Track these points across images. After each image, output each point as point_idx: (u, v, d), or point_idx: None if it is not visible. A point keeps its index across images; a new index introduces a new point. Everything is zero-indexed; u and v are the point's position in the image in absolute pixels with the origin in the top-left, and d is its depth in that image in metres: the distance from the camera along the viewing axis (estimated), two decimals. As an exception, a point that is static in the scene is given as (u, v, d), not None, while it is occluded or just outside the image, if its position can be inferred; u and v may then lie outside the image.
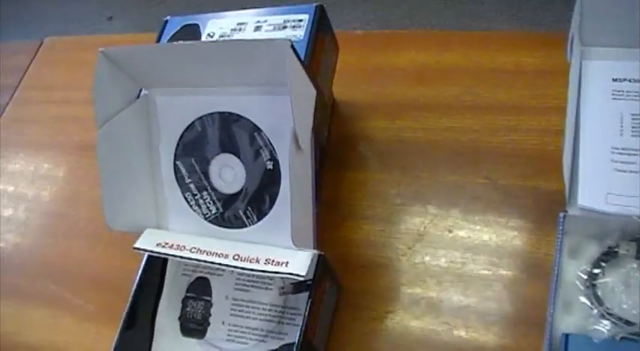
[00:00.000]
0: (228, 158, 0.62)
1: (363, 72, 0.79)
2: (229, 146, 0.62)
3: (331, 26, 0.69)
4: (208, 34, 0.70)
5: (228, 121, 0.61)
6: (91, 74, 0.55)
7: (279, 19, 0.68)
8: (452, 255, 0.64)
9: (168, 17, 0.73)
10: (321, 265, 0.58)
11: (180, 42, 0.66)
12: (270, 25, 0.68)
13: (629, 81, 0.64)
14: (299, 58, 0.53)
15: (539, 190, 0.65)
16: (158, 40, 0.72)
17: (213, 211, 0.63)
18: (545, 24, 1.60)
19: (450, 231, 0.66)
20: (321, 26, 0.67)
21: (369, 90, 0.77)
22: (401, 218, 0.68)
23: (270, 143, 0.60)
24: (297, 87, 0.53)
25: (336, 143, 0.75)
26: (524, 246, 0.63)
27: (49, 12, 2.16)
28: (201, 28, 0.71)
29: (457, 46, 0.77)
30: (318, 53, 0.66)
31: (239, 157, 0.62)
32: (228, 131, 0.62)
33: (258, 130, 0.60)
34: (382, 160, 0.72)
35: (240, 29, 0.69)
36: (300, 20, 0.67)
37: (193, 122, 0.63)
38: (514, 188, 0.67)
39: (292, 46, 0.52)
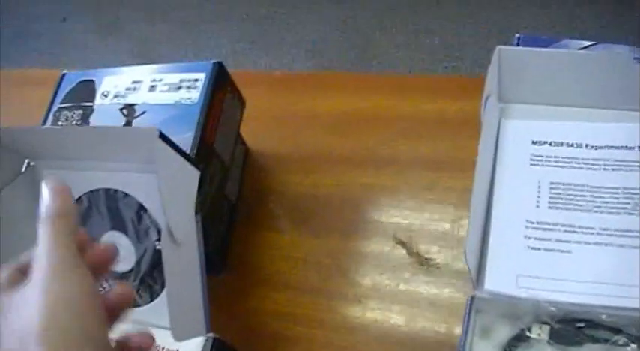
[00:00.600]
0: (117, 236, 0.58)
1: (278, 118, 0.75)
2: (118, 224, 0.58)
3: (233, 82, 0.65)
4: (103, 94, 0.65)
5: (114, 198, 0.57)
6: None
7: (175, 78, 0.63)
8: (359, 334, 0.61)
9: (65, 71, 0.68)
10: (216, 349, 0.55)
11: (60, 127, 0.63)
12: (165, 84, 0.63)
13: (550, 144, 0.59)
14: (170, 143, 0.49)
15: (457, 259, 0.62)
16: (55, 95, 0.67)
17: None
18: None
19: (360, 301, 0.62)
20: (219, 85, 0.63)
21: (285, 139, 0.73)
22: (310, 286, 0.64)
23: (157, 223, 0.56)
24: (168, 176, 0.49)
25: (247, 198, 0.71)
26: (435, 324, 0.60)
27: (3, 11, 2.09)
28: (96, 84, 0.66)
29: (378, 91, 0.73)
30: (215, 113, 0.61)
31: (127, 236, 0.57)
32: (116, 209, 0.57)
33: (144, 209, 0.56)
34: (293, 220, 0.68)
35: (134, 89, 0.64)
36: (196, 80, 0.63)
37: (80, 197, 0.59)
38: (431, 256, 0.63)
39: (161, 134, 0.48)
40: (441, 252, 0.63)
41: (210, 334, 0.54)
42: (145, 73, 0.65)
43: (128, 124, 0.62)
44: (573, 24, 1.46)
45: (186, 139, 0.59)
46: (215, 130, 0.62)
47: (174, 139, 0.57)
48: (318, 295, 0.64)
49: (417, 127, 0.70)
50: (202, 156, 0.59)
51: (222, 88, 0.63)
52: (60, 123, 0.65)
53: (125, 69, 0.67)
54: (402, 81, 0.73)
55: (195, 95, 0.62)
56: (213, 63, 0.63)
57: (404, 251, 0.63)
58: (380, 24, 1.56)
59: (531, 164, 0.59)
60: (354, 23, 1.58)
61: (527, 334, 0.54)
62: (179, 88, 0.63)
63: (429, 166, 0.67)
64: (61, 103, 0.66)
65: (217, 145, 0.62)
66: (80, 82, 0.67)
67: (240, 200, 0.70)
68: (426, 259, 0.63)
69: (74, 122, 0.64)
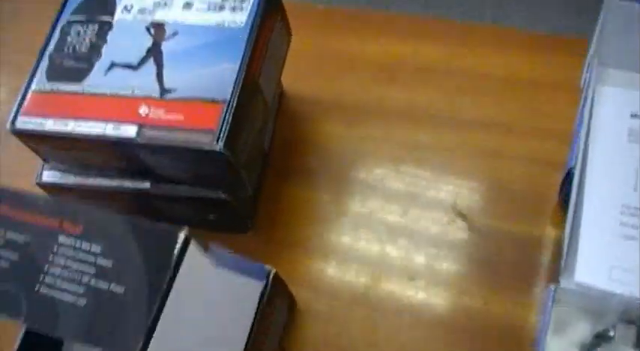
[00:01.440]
0: None
1: (320, 59, 0.64)
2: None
3: (284, 8, 0.54)
4: (125, 7, 0.54)
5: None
6: None
7: (216, -4, 0.52)
8: (407, 317, 0.52)
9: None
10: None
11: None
12: (204, 2, 0.52)
13: (651, 118, 0.51)
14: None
15: (522, 237, 0.53)
16: (64, 5, 0.56)
17: None
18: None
19: (412, 279, 0.54)
20: (270, 9, 0.52)
21: (327, 84, 0.63)
22: (347, 256, 0.55)
23: None
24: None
25: (280, 148, 0.61)
26: (502, 312, 0.51)
27: None
28: (119, -3, 0.55)
29: (438, 38, 0.63)
30: (262, 43, 0.51)
31: None
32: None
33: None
34: (332, 177, 0.58)
35: (165, 4, 0.53)
36: (243, 1, 0.52)
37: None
38: (492, 232, 0.54)
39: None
40: (503, 233, 0.54)
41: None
42: (176, -13, 0.54)
43: (155, 45, 0.51)
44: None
45: (228, 70, 0.49)
46: (261, 63, 0.51)
47: (213, 68, 0.47)
48: (359, 266, 0.55)
49: (482, 82, 0.60)
50: (247, 93, 0.49)
51: (273, 14, 0.53)
52: (69, 39, 0.53)
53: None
54: (467, 29, 0.63)
55: (241, 18, 0.51)
56: (262, -18, 0.52)
57: (464, 224, 0.55)
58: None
59: (629, 141, 0.51)
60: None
61: (611, 333, 0.47)
62: (221, 8, 0.52)
63: (494, 129, 0.58)
64: (71, 14, 0.55)
65: (262, 81, 0.52)
66: (96, -8, 0.56)
67: (271, 150, 0.61)
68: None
69: (87, 40, 0.53)
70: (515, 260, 0.52)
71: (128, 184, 0.54)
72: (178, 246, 0.35)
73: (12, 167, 0.63)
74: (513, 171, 0.56)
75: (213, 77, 0.49)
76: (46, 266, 0.35)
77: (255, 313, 0.46)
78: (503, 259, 0.53)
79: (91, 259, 0.35)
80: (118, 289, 0.34)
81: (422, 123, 0.60)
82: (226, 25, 0.51)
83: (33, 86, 0.52)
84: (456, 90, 0.60)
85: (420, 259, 0.54)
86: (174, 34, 0.52)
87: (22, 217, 0.37)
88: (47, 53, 0.54)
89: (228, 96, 0.48)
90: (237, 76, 0.49)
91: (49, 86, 0.52)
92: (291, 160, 0.60)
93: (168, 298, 0.34)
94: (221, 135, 0.47)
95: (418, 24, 0.65)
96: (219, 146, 0.46)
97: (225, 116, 0.47)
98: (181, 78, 0.49)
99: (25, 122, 0.51)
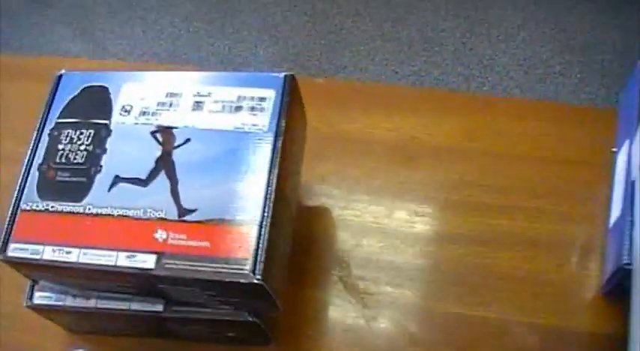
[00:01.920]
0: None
1: (328, 141, 0.59)
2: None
3: (301, 99, 0.49)
4: (123, 108, 0.47)
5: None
6: None
7: (230, 94, 0.47)
8: None
9: (62, 71, 0.50)
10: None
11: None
12: (217, 102, 0.47)
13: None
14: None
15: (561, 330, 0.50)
16: (50, 104, 0.49)
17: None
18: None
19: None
20: (292, 106, 0.47)
21: (337, 168, 0.58)
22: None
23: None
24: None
25: (296, 249, 0.54)
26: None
27: None
28: (111, 93, 0.48)
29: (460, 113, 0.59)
30: (288, 149, 0.46)
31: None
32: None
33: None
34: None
35: (170, 104, 0.47)
36: (263, 99, 0.46)
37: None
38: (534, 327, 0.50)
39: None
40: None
41: None
42: (182, 83, 0.48)
43: (165, 155, 0.45)
44: None
45: (255, 184, 0.43)
46: (288, 171, 0.46)
47: (237, 183, 0.42)
48: None
49: (505, 163, 0.57)
50: (278, 209, 0.44)
51: (294, 111, 0.47)
52: (61, 147, 0.47)
53: (150, 75, 0.49)
54: (487, 102, 0.59)
55: (263, 121, 0.46)
56: (285, 76, 0.47)
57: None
58: (353, 10, 1.36)
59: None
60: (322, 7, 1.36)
61: None
62: (238, 109, 0.46)
63: (522, 213, 0.55)
64: (60, 117, 0.48)
65: (289, 191, 0.47)
66: (87, 88, 0.49)
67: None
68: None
69: (82, 147, 0.46)
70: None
71: (137, 306, 0.48)
72: None
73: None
74: (546, 261, 0.52)
75: (239, 194, 0.43)
76: None
77: None
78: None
79: None
80: None
81: (449, 208, 0.55)
82: (247, 129, 0.45)
83: (23, 205, 0.45)
84: (479, 172, 0.56)
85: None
86: (187, 141, 0.46)
87: None
88: (35, 163, 0.47)
89: (259, 216, 0.43)
90: (267, 192, 0.43)
91: (42, 205, 0.45)
92: (309, 261, 0.55)
93: None
94: (257, 265, 0.41)
95: (430, 97, 0.60)
96: (256, 278, 0.41)
97: (258, 241, 0.42)
98: (201, 195, 0.44)
99: (17, 249, 0.44)
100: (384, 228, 0.55)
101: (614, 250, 0.50)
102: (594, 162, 0.55)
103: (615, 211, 0.52)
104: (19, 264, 0.45)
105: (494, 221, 0.54)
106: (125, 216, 0.44)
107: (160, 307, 0.47)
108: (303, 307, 0.53)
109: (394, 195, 0.56)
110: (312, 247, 0.56)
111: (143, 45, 1.34)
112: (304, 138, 0.52)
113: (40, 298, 0.49)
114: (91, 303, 0.48)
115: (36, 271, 0.45)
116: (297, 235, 0.53)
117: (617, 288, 0.49)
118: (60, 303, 0.49)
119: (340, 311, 0.53)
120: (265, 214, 0.43)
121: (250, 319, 0.46)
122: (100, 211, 0.44)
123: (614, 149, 0.54)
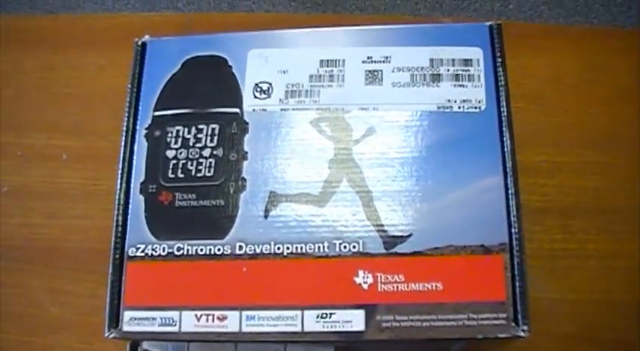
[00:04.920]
0: None
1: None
2: None
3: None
4: (258, 87, 0.32)
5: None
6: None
7: (418, 58, 0.31)
8: None
9: (146, 38, 0.33)
10: None
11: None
12: (401, 70, 0.31)
13: None
14: None
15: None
16: (137, 89, 0.32)
17: None
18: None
19: None
20: (504, 65, 0.32)
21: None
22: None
23: None
24: None
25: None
26: None
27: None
28: (233, 66, 0.32)
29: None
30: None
31: None
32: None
33: None
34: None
35: (331, 77, 0.32)
36: (468, 61, 0.31)
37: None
38: None
39: None
40: None
41: None
42: (339, 43, 0.33)
43: (343, 154, 0.30)
44: None
45: (489, 190, 0.29)
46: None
47: (462, 190, 0.28)
48: None
49: None
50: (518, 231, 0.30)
51: (507, 78, 0.32)
52: (171, 154, 0.31)
53: (285, 34, 0.33)
54: None
55: (476, 95, 0.31)
56: (490, 26, 0.32)
57: None
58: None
59: None
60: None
61: None
62: (435, 78, 0.31)
63: None
64: (158, 106, 0.32)
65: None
66: (191, 61, 0.33)
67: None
68: None
69: (207, 151, 0.31)
70: None
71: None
72: None
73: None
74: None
75: (471, 208, 0.29)
76: None
77: None
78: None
79: None
80: None
81: None
82: (456, 108, 0.31)
83: (130, 250, 0.30)
84: None
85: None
86: (370, 130, 0.31)
87: None
88: (134, 183, 0.31)
89: (506, 236, 0.29)
90: (508, 199, 0.29)
91: (161, 248, 0.30)
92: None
93: None
94: (519, 311, 0.28)
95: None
96: (521, 329, 0.27)
97: (513, 275, 0.28)
98: (412, 213, 0.29)
99: (136, 320, 0.29)
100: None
101: None
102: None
103: None
104: (142, 338, 0.30)
105: None
106: (302, 254, 0.29)
107: (333, 362, 0.33)
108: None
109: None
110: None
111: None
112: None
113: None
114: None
115: (167, 342, 0.31)
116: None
117: None
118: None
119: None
120: (515, 234, 0.29)
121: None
122: (259, 249, 0.29)
123: None
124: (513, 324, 0.28)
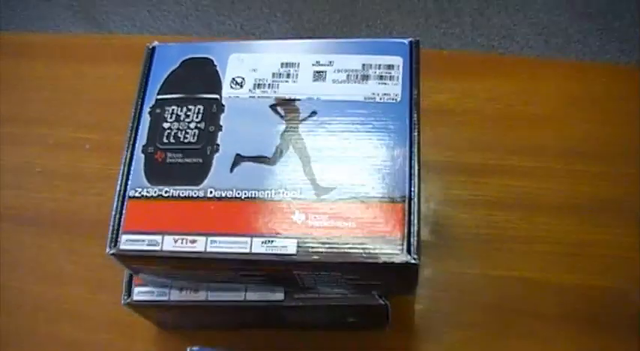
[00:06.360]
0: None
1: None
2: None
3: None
4: (234, 81, 0.43)
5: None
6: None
7: (353, 63, 0.43)
8: None
9: (155, 43, 0.45)
10: None
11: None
12: (340, 71, 0.43)
13: None
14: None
15: None
16: (146, 80, 0.44)
17: None
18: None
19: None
20: (417, 73, 0.43)
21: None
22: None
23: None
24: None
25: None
26: None
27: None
28: (217, 65, 0.44)
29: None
30: (417, 116, 0.42)
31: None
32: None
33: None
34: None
35: (288, 75, 0.43)
36: (390, 66, 0.42)
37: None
38: None
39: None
40: None
41: None
42: (297, 52, 0.44)
43: (291, 129, 0.41)
44: None
45: (398, 157, 0.40)
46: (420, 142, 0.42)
47: (378, 158, 0.38)
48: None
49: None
50: (420, 189, 0.40)
51: (418, 79, 0.43)
52: (167, 125, 0.42)
53: (258, 43, 0.45)
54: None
55: (394, 90, 0.42)
56: (410, 42, 0.43)
57: None
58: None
59: None
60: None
61: None
62: (365, 78, 0.42)
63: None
64: (160, 93, 0.43)
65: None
66: (188, 61, 0.44)
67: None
68: None
69: (193, 124, 0.42)
70: None
71: (253, 297, 0.44)
72: None
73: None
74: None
75: (382, 169, 0.39)
76: None
77: None
78: None
79: None
80: None
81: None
82: (378, 99, 0.42)
83: (130, 192, 0.41)
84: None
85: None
86: (312, 113, 0.42)
87: None
88: (138, 145, 0.42)
89: (407, 192, 0.39)
90: (411, 165, 0.40)
91: (153, 191, 0.40)
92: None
93: None
94: (411, 244, 0.38)
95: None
96: (413, 258, 0.37)
97: (410, 219, 0.38)
98: (337, 171, 0.40)
99: (131, 241, 0.39)
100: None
101: None
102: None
103: None
104: (132, 258, 0.40)
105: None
106: (254, 198, 0.39)
107: (280, 296, 0.43)
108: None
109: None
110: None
111: (149, 26, 1.26)
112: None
113: (141, 294, 0.45)
114: (201, 296, 0.44)
115: (152, 265, 0.41)
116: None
117: None
118: (163, 298, 0.45)
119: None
120: (413, 190, 0.39)
121: (382, 302, 0.43)
122: (224, 194, 0.40)
123: None
124: (407, 254, 0.38)
